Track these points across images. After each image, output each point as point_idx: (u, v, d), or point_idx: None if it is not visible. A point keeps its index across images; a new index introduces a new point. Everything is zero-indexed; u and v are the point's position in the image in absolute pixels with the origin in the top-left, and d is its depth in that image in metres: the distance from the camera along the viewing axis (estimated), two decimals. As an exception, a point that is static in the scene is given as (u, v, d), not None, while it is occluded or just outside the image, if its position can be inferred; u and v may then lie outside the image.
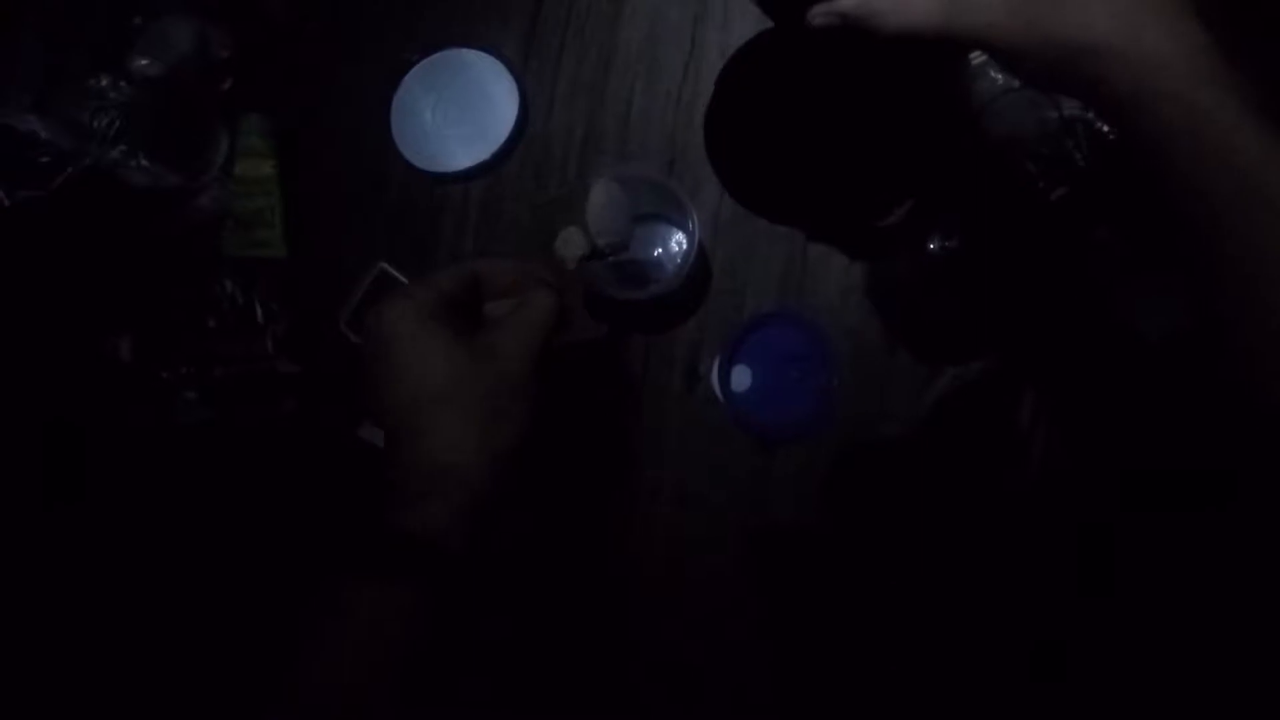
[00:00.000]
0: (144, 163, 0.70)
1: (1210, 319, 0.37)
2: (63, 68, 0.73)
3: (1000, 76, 0.63)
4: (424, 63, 0.67)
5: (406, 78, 0.67)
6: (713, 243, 0.64)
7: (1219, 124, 0.32)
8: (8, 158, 0.70)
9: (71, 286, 0.72)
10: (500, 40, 0.68)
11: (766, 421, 0.63)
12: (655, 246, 0.63)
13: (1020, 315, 0.62)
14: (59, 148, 0.70)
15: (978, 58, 0.63)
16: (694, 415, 0.64)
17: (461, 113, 0.67)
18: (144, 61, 0.71)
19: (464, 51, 0.67)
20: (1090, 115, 0.65)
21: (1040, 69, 0.36)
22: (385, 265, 0.65)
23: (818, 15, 0.40)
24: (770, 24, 0.54)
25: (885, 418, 0.63)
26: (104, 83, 0.70)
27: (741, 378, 0.63)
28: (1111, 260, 0.62)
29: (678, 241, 0.62)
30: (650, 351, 0.64)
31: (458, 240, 0.67)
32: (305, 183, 0.69)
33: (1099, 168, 0.64)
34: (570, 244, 0.47)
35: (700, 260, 0.62)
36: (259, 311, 0.69)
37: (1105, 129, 0.65)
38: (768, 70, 0.55)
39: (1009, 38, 0.36)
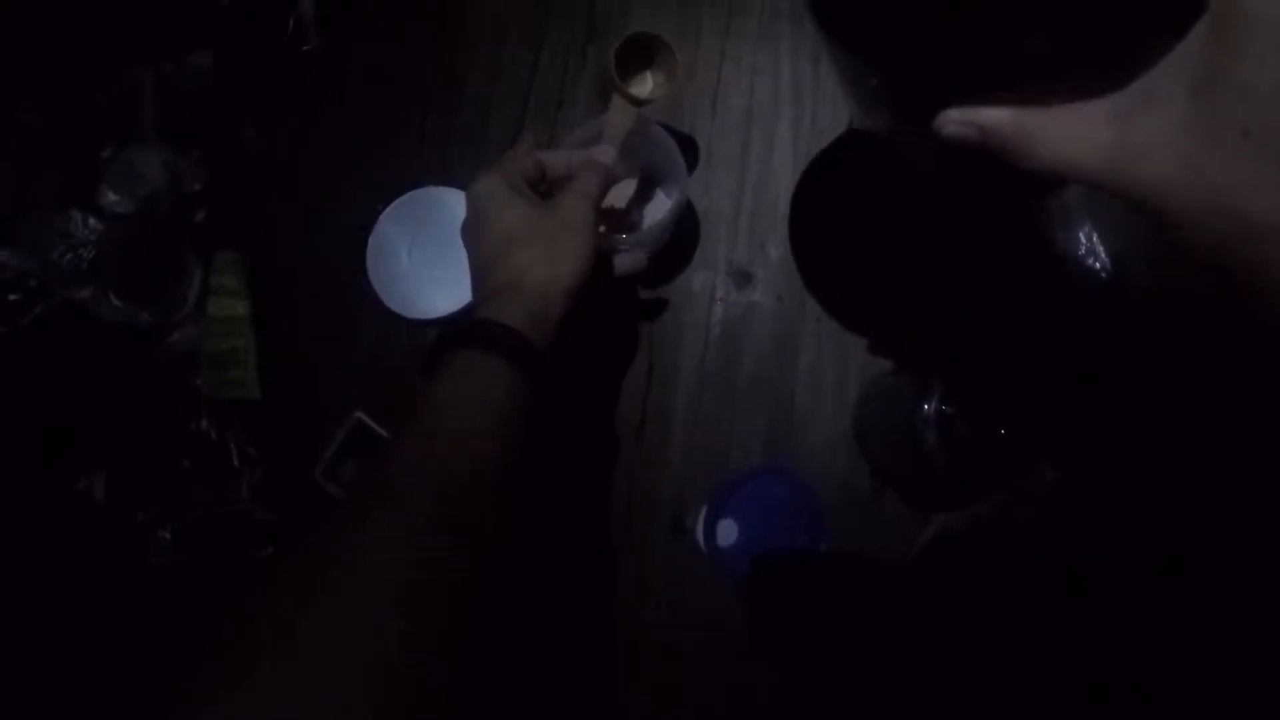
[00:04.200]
0: (115, 301, 0.68)
1: None
2: (32, 199, 0.72)
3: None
4: (399, 201, 0.66)
5: (382, 216, 0.66)
6: (698, 393, 0.63)
7: None
8: (-25, 291, 0.69)
9: (43, 423, 0.71)
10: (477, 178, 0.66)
11: (752, 574, 0.61)
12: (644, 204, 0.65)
13: (1016, 463, 0.61)
14: (28, 285, 0.69)
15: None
16: (680, 566, 0.62)
17: (439, 254, 0.65)
18: (114, 197, 0.69)
19: (440, 190, 0.66)
20: (1080, 253, 0.65)
21: (1200, 241, 0.30)
22: (361, 415, 0.63)
23: (950, 122, 0.33)
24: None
25: (873, 567, 0.62)
26: (73, 220, 0.68)
27: (728, 531, 0.62)
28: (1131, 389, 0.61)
29: (662, 200, 0.65)
30: (635, 502, 0.63)
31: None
32: (279, 324, 0.67)
33: (1118, 283, 0.63)
34: (618, 111, 0.57)
35: (689, 213, 0.65)
36: (235, 454, 0.68)
37: (1097, 266, 0.65)
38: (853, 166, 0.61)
39: (1179, 200, 0.30)
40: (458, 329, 0.47)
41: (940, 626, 0.61)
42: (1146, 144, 0.30)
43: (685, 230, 0.64)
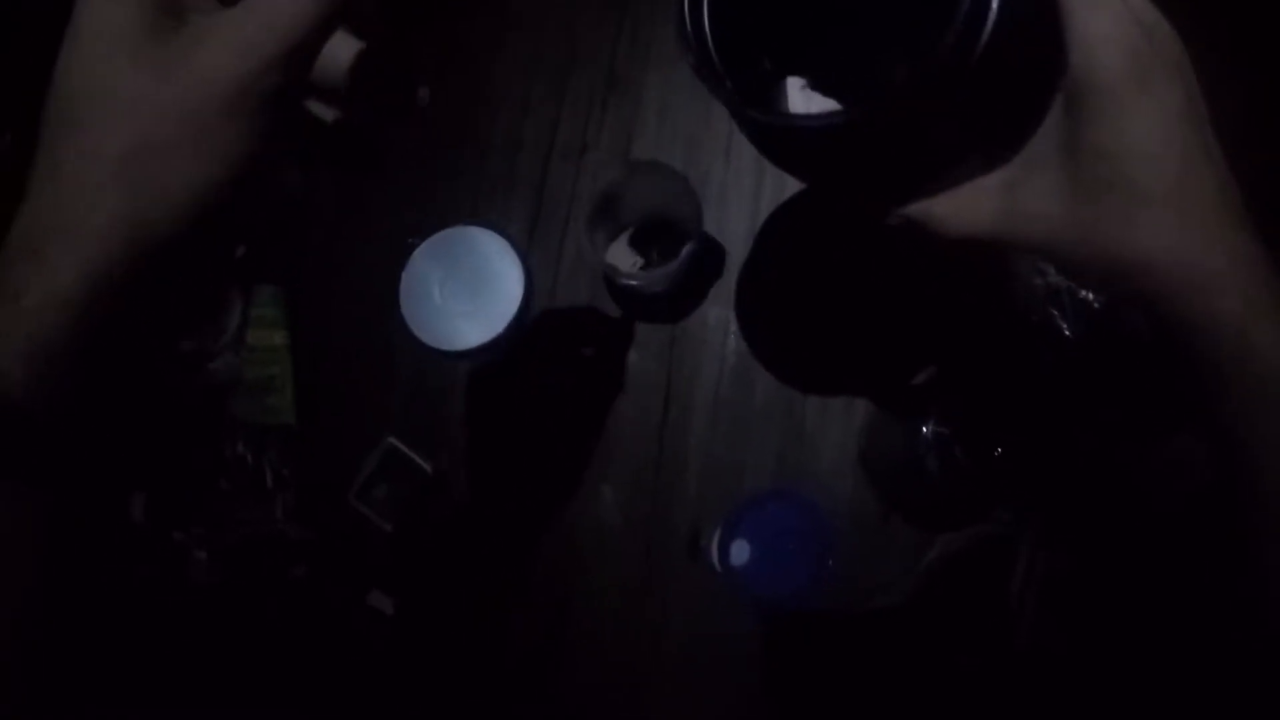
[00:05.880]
0: (159, 330, 0.72)
1: (1242, 549, 0.36)
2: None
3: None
4: (431, 239, 0.69)
5: (414, 254, 0.69)
6: (713, 418, 0.67)
7: (1271, 361, 0.31)
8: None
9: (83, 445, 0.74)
10: (505, 218, 0.71)
11: (765, 593, 0.65)
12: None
13: (1014, 486, 0.65)
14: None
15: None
16: (697, 586, 0.66)
17: (469, 290, 0.68)
18: (160, 233, 0.74)
19: (470, 229, 0.69)
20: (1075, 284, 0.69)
21: (1096, 281, 0.37)
22: (394, 441, 0.67)
23: (893, 216, 0.41)
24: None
25: (881, 587, 0.65)
26: (121, 254, 0.72)
27: (740, 551, 0.65)
28: (1114, 430, 0.64)
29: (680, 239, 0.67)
30: (653, 523, 0.67)
31: (468, 414, 0.69)
32: (315, 354, 0.71)
33: (1085, 339, 0.67)
34: None
35: (713, 250, 0.69)
36: (269, 477, 0.71)
37: (1091, 298, 0.68)
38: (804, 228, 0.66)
39: (1066, 250, 0.35)
40: None
41: (945, 650, 0.65)
42: (1032, 205, 0.36)
43: (708, 267, 0.68)
